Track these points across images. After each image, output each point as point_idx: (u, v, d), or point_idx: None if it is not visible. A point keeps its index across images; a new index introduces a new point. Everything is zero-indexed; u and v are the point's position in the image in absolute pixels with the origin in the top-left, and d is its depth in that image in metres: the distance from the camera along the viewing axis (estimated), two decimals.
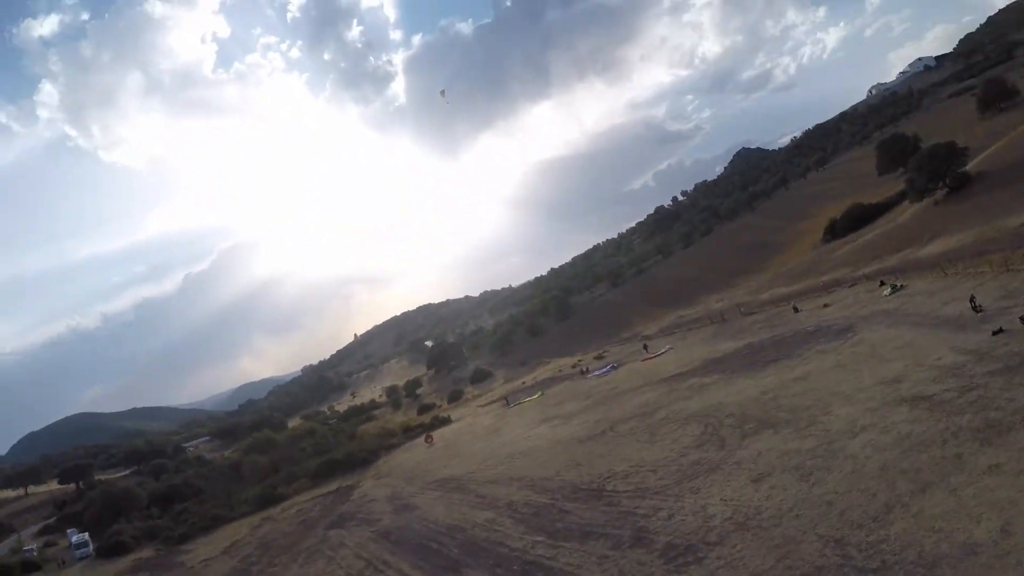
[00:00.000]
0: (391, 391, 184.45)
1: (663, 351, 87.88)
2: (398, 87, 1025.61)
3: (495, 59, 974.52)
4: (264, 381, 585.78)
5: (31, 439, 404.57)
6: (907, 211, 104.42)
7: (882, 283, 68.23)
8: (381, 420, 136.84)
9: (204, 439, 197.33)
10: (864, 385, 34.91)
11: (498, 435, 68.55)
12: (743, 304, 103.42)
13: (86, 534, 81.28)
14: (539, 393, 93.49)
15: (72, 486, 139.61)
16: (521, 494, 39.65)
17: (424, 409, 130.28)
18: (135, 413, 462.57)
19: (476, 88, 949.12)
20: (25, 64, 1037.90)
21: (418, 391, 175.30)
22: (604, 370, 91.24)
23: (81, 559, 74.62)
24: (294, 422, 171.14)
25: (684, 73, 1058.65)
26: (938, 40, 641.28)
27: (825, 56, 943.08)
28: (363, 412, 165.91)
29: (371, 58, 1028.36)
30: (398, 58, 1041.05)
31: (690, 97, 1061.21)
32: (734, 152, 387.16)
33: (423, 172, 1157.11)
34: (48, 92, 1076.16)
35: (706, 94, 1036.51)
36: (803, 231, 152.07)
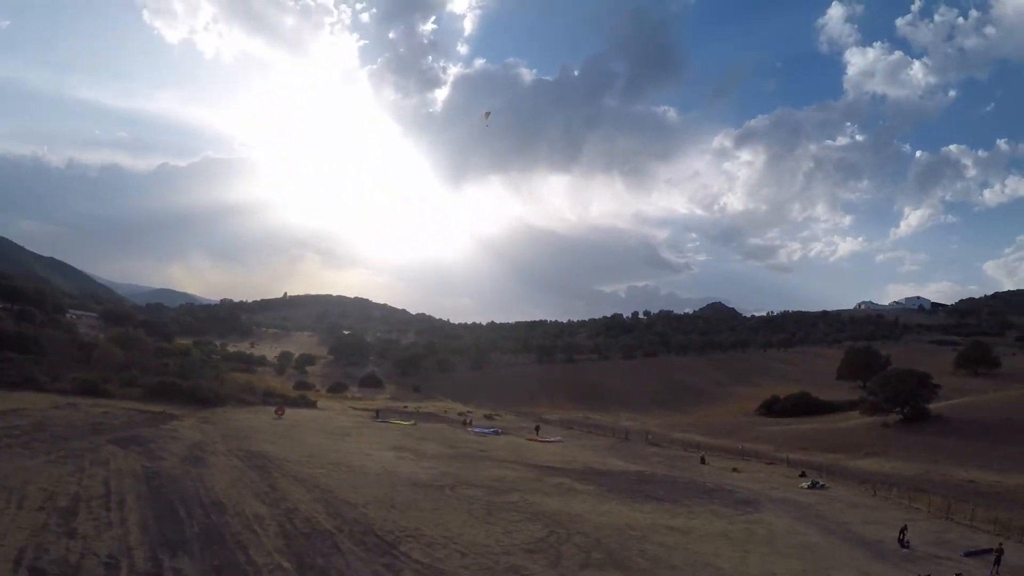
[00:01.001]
0: (283, 356, 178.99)
1: (553, 440, 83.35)
2: (440, 95, 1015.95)
3: (538, 116, 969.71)
4: (184, 295, 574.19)
5: None
6: (853, 420, 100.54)
7: (803, 474, 63.28)
8: (257, 377, 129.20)
9: (92, 315, 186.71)
10: (748, 571, 28.49)
11: (343, 440, 62.33)
12: (652, 433, 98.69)
13: None
14: (412, 422, 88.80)
15: None
16: (312, 506, 32.90)
17: (300, 385, 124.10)
18: (51, 263, 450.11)
19: (508, 133, 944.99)
20: None
21: (307, 368, 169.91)
22: (487, 431, 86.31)
23: None
24: (183, 341, 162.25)
25: (699, 212, 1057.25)
26: (940, 293, 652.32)
27: (832, 259, 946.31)
28: (247, 361, 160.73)
29: (430, 57, 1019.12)
30: (454, 70, 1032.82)
31: (694, 236, 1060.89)
32: (708, 302, 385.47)
33: (423, 182, 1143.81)
34: None
35: (709, 240, 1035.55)
36: (740, 395, 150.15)
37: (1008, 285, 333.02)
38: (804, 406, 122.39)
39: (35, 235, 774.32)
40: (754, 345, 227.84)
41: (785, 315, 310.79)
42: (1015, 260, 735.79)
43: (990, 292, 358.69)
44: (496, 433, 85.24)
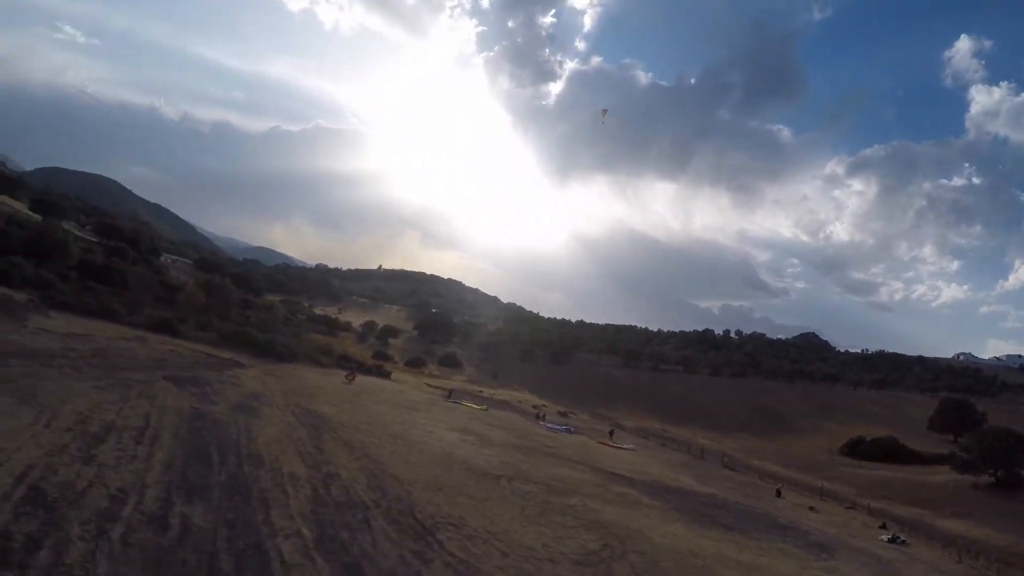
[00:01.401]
0: (367, 325, 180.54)
1: (626, 447, 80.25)
2: (554, 89, 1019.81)
3: (650, 120, 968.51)
4: (282, 256, 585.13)
5: (57, 174, 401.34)
6: (941, 474, 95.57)
7: (884, 525, 59.23)
8: (337, 341, 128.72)
9: (187, 261, 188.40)
10: None
11: (408, 414, 59.57)
12: (729, 456, 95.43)
13: None
14: (484, 407, 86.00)
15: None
16: (355, 475, 30.10)
17: (379, 356, 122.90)
18: (157, 210, 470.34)
19: (619, 135, 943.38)
20: None
21: (390, 339, 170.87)
22: (559, 428, 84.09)
23: None
24: (271, 298, 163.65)
25: (804, 238, 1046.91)
26: None
27: (934, 304, 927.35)
28: (330, 325, 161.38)
29: (547, 50, 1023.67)
30: (570, 65, 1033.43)
31: (795, 261, 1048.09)
32: (802, 331, 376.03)
33: (528, 174, 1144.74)
34: None
35: (811, 268, 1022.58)
36: (824, 430, 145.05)
37: None
38: (890, 452, 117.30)
39: (145, 181, 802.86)
40: (845, 381, 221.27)
41: (880, 355, 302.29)
42: None
43: None
44: (568, 431, 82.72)
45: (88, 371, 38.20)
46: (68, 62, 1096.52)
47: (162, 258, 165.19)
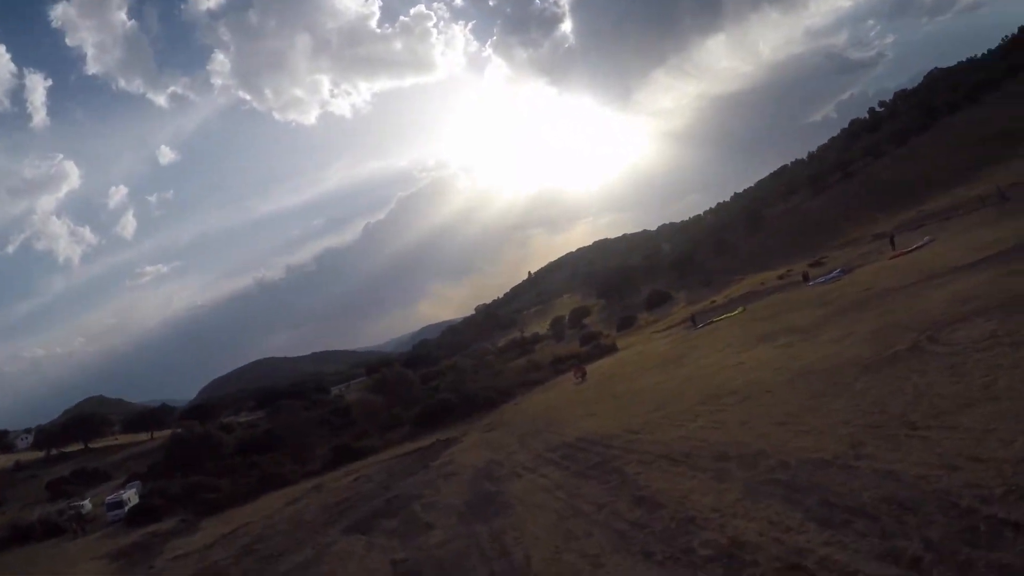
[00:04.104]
0: (555, 322, 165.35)
1: (922, 243, 63.08)
2: (566, 28, 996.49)
3: None
4: (441, 324, 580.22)
5: (216, 384, 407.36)
6: None
7: None
8: (538, 354, 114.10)
9: (360, 379, 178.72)
10: None
11: (681, 365, 43.14)
12: None
13: (131, 491, 65.29)
14: (740, 309, 71.01)
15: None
16: (742, 496, 15.15)
17: (588, 339, 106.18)
18: (315, 357, 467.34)
19: (647, 24, 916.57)
20: (197, 37, 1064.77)
21: (584, 320, 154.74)
22: (832, 275, 67.95)
23: (113, 522, 58.40)
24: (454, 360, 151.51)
25: None
26: None
27: None
28: (522, 345, 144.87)
29: (537, 1, 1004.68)
30: None
31: (871, 22, 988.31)
32: (923, 76, 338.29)
33: (596, 113, 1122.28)
34: (220, 61, 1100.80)
35: (888, 19, 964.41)
36: None
37: None
38: None
39: (289, 343, 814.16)
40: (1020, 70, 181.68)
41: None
42: None
43: None
44: (842, 272, 67.14)
45: None
46: (167, 294, 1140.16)
47: (334, 391, 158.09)
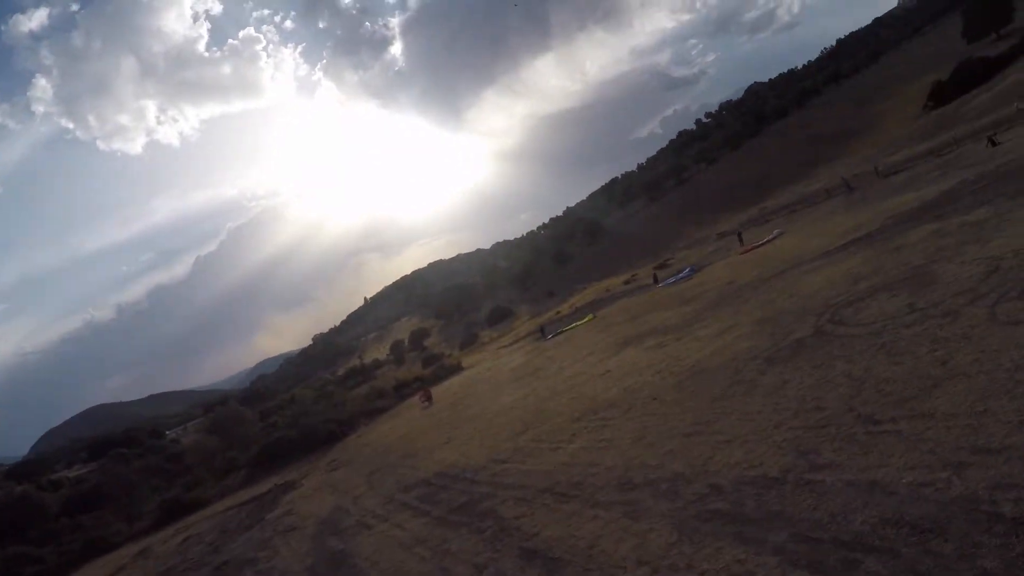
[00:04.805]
0: (395, 346, 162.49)
1: (772, 236, 62.47)
2: (396, 50, 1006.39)
3: (495, 14, 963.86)
4: (280, 356, 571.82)
5: (51, 436, 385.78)
6: None
7: None
8: (380, 379, 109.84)
9: (196, 421, 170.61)
10: None
11: (539, 378, 39.28)
12: (880, 164, 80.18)
13: None
14: (589, 316, 68.89)
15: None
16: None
17: (431, 360, 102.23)
18: (153, 400, 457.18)
19: (476, 45, 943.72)
20: (17, 60, 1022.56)
21: (425, 342, 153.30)
22: (683, 274, 67.18)
23: None
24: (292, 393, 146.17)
25: (686, 17, 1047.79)
26: None
27: None
28: (363, 372, 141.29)
29: (367, 23, 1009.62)
30: (395, 21, 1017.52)
31: (694, 41, 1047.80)
32: (743, 91, 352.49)
33: (427, 134, 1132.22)
34: (42, 86, 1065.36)
35: (710, 38, 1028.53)
36: (885, 111, 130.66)
37: None
38: (973, 74, 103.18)
39: (124, 386, 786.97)
40: (843, 73, 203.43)
41: (841, 41, 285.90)
42: None
43: None
44: (693, 270, 66.61)
45: None
46: None
47: (169, 435, 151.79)
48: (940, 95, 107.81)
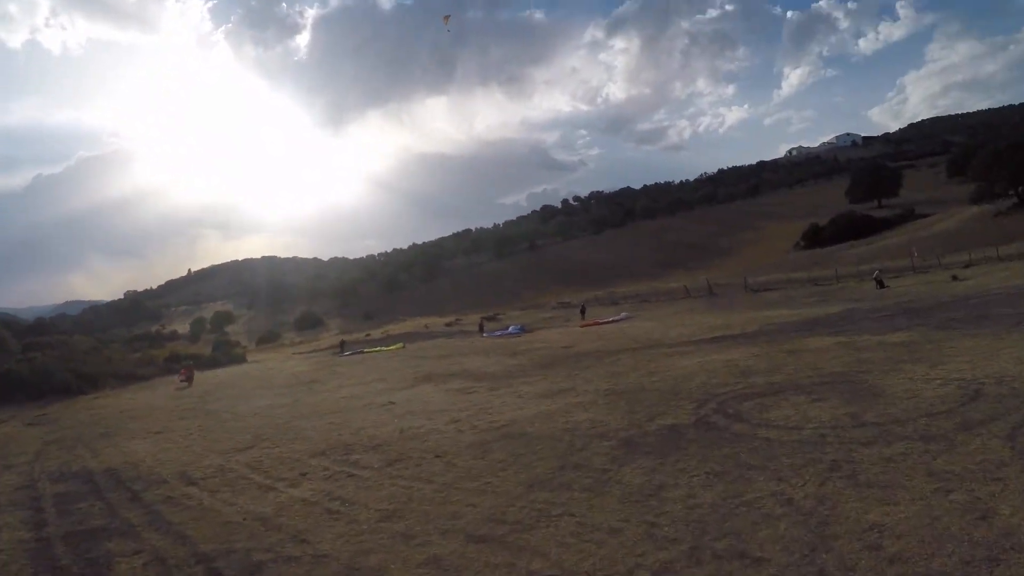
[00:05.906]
0: (196, 323, 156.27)
1: (619, 317, 60.72)
2: (302, 41, 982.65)
3: (405, 41, 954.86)
4: (92, 303, 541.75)
5: None
6: (955, 216, 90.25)
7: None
8: (163, 349, 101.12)
9: None
10: None
11: (313, 392, 32.92)
12: (717, 285, 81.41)
13: None
14: (399, 344, 64.49)
15: None
16: None
17: (221, 346, 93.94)
18: None
19: (380, 63, 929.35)
20: None
21: (227, 327, 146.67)
22: (510, 330, 65.17)
23: None
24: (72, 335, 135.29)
25: (584, 108, 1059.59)
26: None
27: (721, 130, 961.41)
28: (154, 339, 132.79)
29: (284, 4, 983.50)
30: (311, 12, 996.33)
31: (583, 132, 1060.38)
32: (617, 189, 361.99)
33: (303, 132, 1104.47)
34: None
35: (599, 133, 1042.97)
36: (755, 240, 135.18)
37: (896, 126, 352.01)
38: (853, 225, 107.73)
39: None
40: (720, 200, 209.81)
41: (722, 171, 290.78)
42: (898, 103, 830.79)
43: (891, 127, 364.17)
44: (521, 330, 63.39)
45: None
46: None
47: None
48: (815, 237, 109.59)
